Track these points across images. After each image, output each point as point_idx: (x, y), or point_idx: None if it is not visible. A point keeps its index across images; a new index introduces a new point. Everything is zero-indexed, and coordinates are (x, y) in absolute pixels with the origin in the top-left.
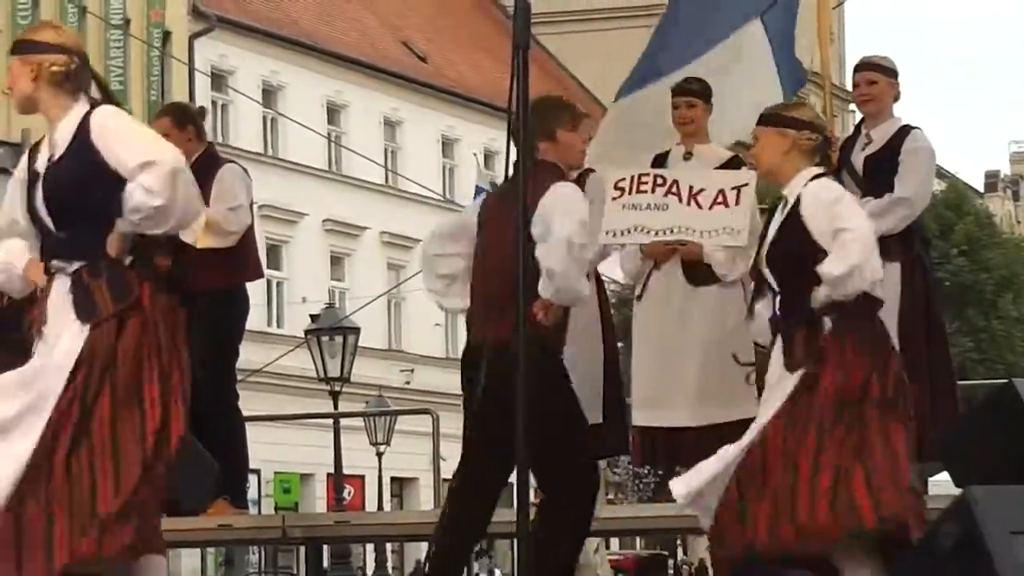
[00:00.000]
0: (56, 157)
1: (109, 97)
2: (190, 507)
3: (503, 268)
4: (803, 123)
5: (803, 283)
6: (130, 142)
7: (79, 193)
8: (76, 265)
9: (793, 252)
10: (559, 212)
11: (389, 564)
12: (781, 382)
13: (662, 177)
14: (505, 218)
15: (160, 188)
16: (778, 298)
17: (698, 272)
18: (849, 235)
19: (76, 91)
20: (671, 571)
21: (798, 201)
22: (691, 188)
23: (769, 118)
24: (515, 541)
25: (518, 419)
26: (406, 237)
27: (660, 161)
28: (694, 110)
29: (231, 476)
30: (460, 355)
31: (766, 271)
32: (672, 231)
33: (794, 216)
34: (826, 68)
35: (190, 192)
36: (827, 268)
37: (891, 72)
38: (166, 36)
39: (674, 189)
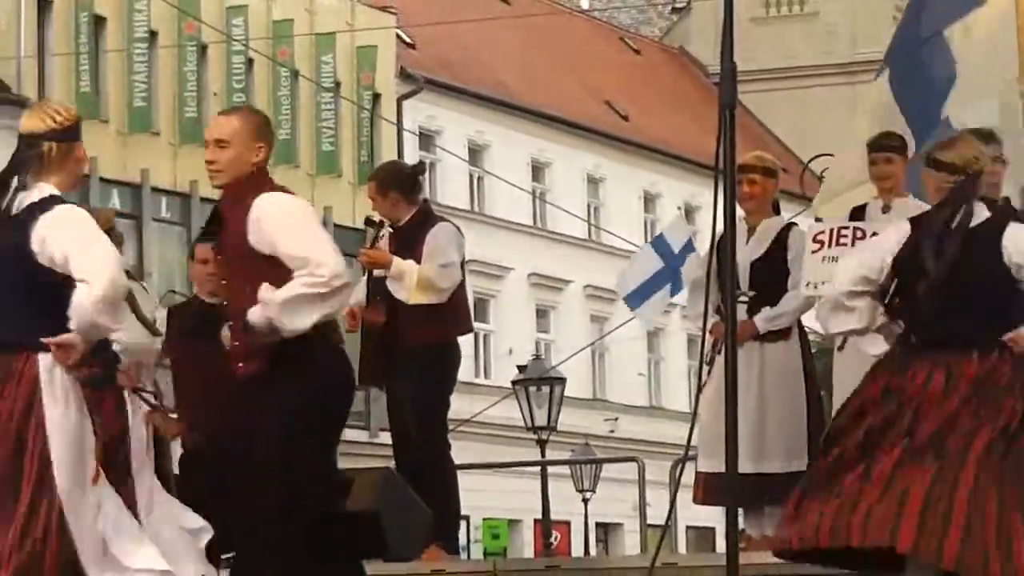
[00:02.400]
0: None
1: None
2: (405, 553)
3: None
4: (943, 165)
5: None
6: None
7: None
8: None
9: None
10: None
11: None
12: None
13: (861, 230)
14: None
15: None
16: None
17: None
18: None
19: None
20: None
21: None
22: None
23: (925, 158)
24: None
25: None
26: (609, 290)
27: (858, 214)
28: (892, 166)
29: (443, 523)
30: (662, 404)
31: None
32: None
33: None
34: None
35: None
36: None
37: None
38: (376, 98)
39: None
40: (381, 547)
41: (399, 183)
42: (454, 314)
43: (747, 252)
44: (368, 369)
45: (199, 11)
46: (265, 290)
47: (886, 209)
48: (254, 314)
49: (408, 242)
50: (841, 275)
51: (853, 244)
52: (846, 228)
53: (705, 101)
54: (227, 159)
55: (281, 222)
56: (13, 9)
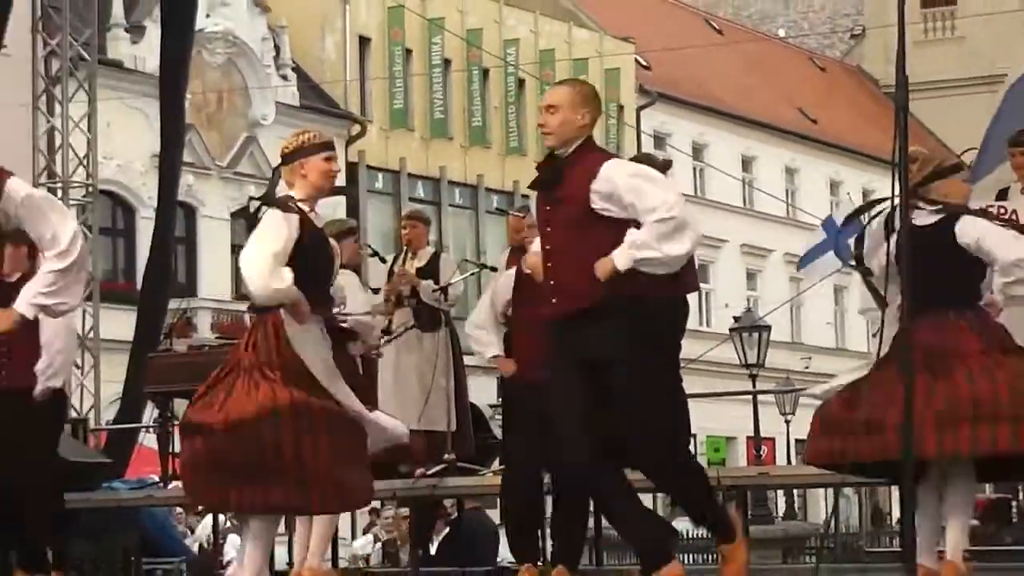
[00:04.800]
0: None
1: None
2: None
3: None
4: None
5: None
6: None
7: None
8: None
9: None
10: None
11: (796, 506)
12: None
13: (1004, 207)
14: None
15: None
16: None
17: None
18: None
19: None
20: (1014, 511)
21: None
22: None
23: None
24: None
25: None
26: None
27: (1002, 195)
28: None
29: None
30: (845, 346)
31: None
32: None
33: None
34: None
35: None
36: None
37: None
38: (620, 109)
39: (1014, 216)
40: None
41: (658, 169)
42: (684, 276)
43: None
44: None
45: (482, 43)
46: (630, 234)
47: None
48: (621, 257)
49: None
50: None
51: (998, 218)
52: (992, 206)
53: (877, 108)
54: (556, 123)
55: (630, 181)
56: (341, 44)
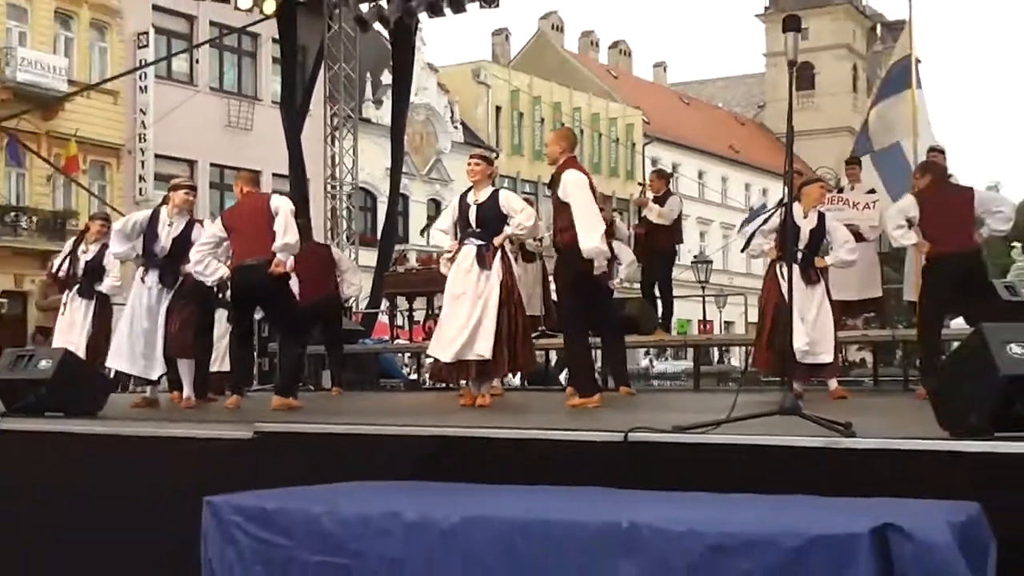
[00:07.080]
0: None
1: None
2: (650, 331)
3: None
4: None
5: None
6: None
7: None
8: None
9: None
10: None
11: (724, 356)
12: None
13: (841, 197)
14: None
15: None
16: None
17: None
18: None
19: None
20: None
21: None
22: (859, 203)
23: None
24: None
25: None
26: (731, 227)
27: (840, 189)
28: (852, 169)
29: (664, 319)
30: (752, 271)
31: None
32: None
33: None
34: None
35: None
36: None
37: None
38: (633, 146)
39: (847, 201)
40: (636, 329)
41: (665, 177)
42: (677, 234)
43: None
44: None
45: (561, 110)
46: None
47: (852, 188)
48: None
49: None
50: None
51: (837, 204)
52: (832, 198)
53: (772, 146)
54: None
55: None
56: (485, 111)
